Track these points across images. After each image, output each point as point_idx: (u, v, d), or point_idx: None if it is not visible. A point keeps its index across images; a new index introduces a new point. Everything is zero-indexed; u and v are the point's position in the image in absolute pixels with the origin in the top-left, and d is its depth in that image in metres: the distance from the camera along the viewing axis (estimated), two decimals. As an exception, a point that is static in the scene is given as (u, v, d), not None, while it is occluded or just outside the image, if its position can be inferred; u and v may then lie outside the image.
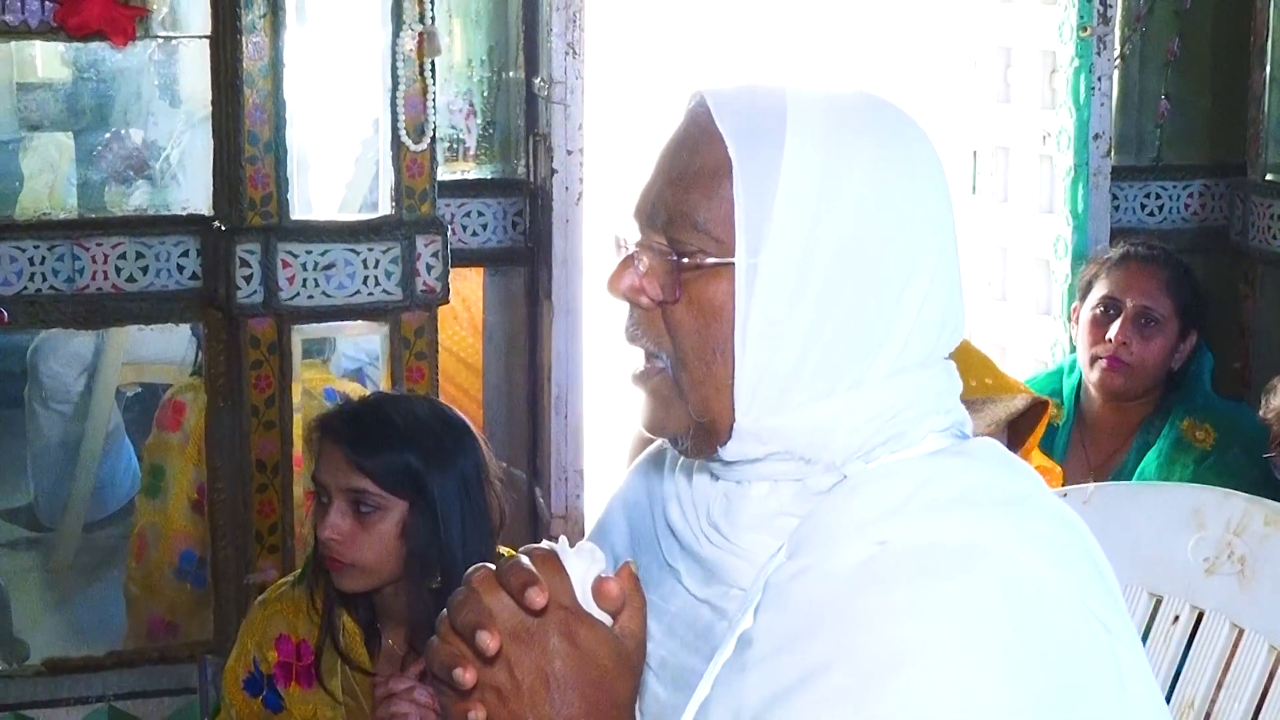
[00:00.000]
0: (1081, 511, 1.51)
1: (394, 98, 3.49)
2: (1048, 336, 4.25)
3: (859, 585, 1.32)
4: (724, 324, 1.39)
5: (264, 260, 3.46)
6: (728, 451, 1.42)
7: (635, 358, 1.46)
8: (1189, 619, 1.96)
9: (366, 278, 3.52)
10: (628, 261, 1.43)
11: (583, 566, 1.34)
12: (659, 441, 1.57)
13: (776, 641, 1.33)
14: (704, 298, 1.40)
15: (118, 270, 3.56)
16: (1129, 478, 3.44)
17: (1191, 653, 1.95)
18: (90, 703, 3.69)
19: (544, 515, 3.87)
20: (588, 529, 1.73)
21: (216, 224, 3.55)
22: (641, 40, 6.13)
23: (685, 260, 1.40)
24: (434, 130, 3.54)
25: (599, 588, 1.33)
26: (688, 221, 1.40)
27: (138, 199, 3.69)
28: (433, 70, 3.51)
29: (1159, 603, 1.99)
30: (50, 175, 3.85)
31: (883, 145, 1.41)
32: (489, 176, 3.96)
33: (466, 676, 1.29)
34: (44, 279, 3.53)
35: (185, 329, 3.89)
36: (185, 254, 3.60)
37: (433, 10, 3.49)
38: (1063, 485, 2.84)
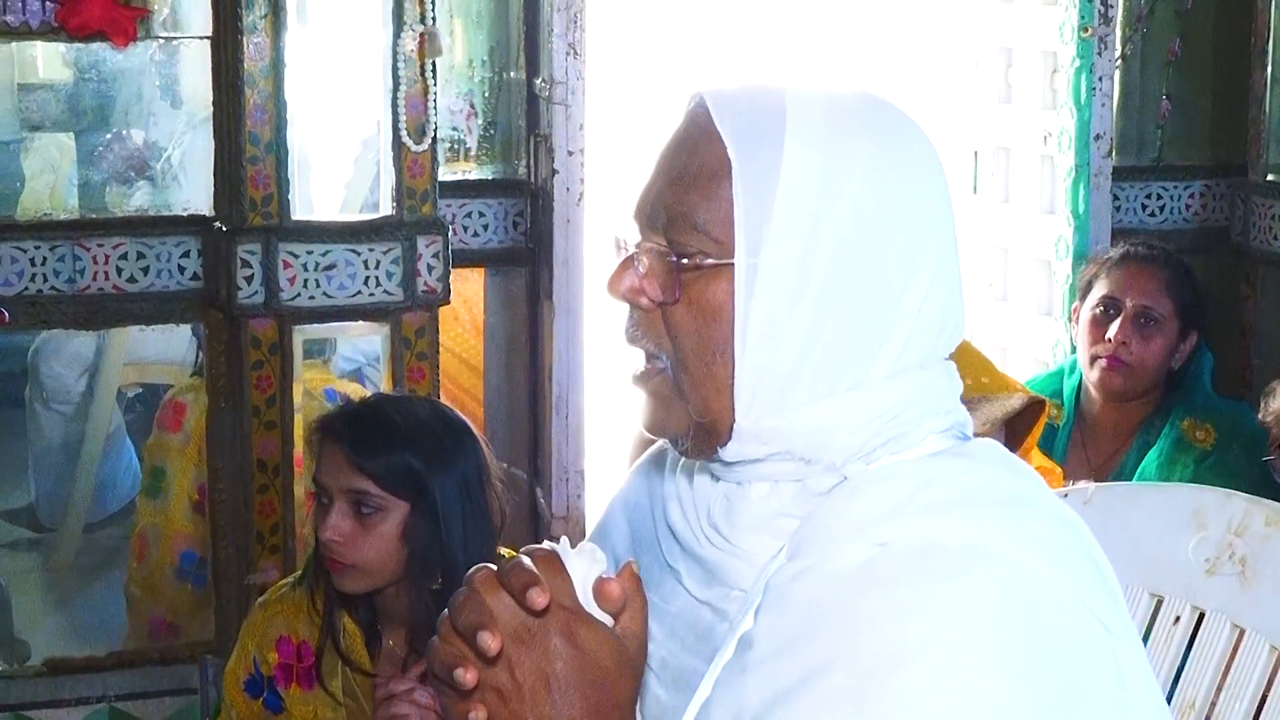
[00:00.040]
0: (1082, 512, 1.51)
1: (395, 98, 3.49)
2: (1049, 337, 4.25)
3: (859, 586, 1.32)
4: (724, 324, 1.39)
5: (265, 261, 3.46)
6: (728, 452, 1.42)
7: (635, 358, 1.46)
8: (1190, 619, 1.96)
9: (367, 278, 3.52)
10: (627, 263, 1.43)
11: (584, 567, 1.34)
12: (660, 442, 1.57)
13: (777, 643, 1.33)
14: (704, 298, 1.40)
15: (119, 271, 3.56)
16: (1129, 478, 3.44)
17: (1192, 653, 1.95)
18: (91, 703, 3.69)
19: (545, 516, 3.87)
20: (589, 529, 1.73)
21: (217, 224, 3.56)
22: (642, 41, 6.13)
23: (685, 261, 1.40)
24: (435, 131, 3.54)
25: (600, 588, 1.33)
26: (687, 222, 1.40)
27: (139, 199, 3.69)
28: (434, 71, 3.51)
29: (1160, 603, 1.99)
30: (51, 176, 3.85)
31: (883, 145, 1.41)
32: (490, 177, 3.96)
33: (467, 677, 1.29)
34: (45, 279, 3.53)
35: (186, 329, 3.89)
36: (186, 254, 3.60)
37: (434, 11, 3.50)
38: (1063, 485, 2.85)
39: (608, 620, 1.34)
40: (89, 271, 3.54)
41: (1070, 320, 3.78)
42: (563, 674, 1.30)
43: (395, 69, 3.48)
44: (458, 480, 2.53)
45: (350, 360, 4.12)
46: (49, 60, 3.76)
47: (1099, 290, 3.57)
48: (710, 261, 1.39)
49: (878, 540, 1.34)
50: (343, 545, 2.50)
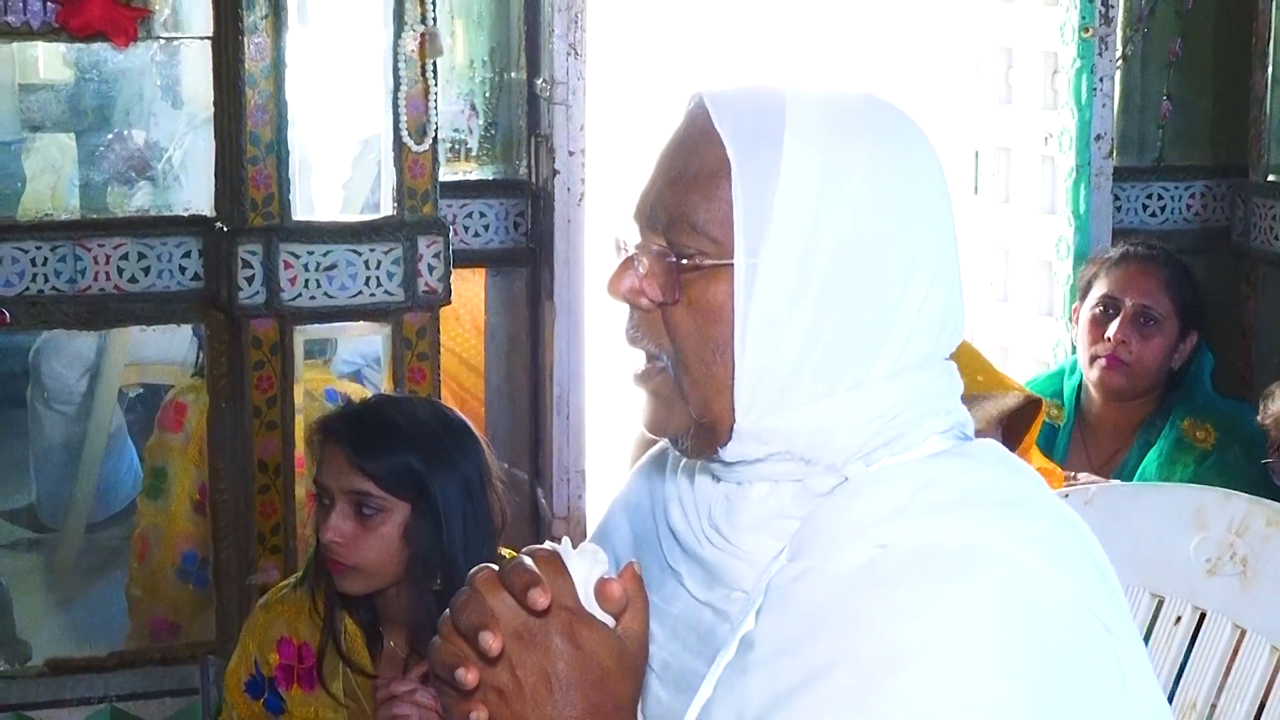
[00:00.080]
0: (1083, 512, 1.51)
1: (396, 99, 3.49)
2: (1049, 337, 4.25)
3: (860, 587, 1.32)
4: (724, 325, 1.39)
5: (266, 261, 3.46)
6: (728, 452, 1.42)
7: (636, 358, 1.46)
8: (1191, 620, 1.96)
9: (368, 279, 3.52)
10: (628, 263, 1.43)
11: (585, 567, 1.34)
12: (661, 443, 1.57)
13: (778, 644, 1.33)
14: (703, 299, 1.40)
15: (120, 271, 3.56)
16: (1130, 478, 3.44)
17: (1193, 654, 1.95)
18: (92, 703, 3.69)
19: (546, 516, 3.87)
20: (590, 530, 1.73)
21: (218, 225, 3.56)
22: (643, 41, 6.13)
23: (685, 261, 1.40)
24: (436, 131, 3.54)
25: (601, 589, 1.33)
26: (687, 223, 1.40)
27: (140, 200, 3.69)
28: (434, 71, 3.51)
29: (1161, 603, 1.99)
30: (52, 176, 3.85)
31: (882, 145, 1.41)
32: (491, 177, 3.96)
33: (469, 677, 1.29)
34: (46, 280, 3.53)
35: (187, 330, 3.89)
36: (187, 255, 3.60)
37: (434, 11, 3.50)
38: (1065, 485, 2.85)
39: (609, 621, 1.34)
40: (90, 272, 3.54)
41: (1071, 320, 3.78)
42: (564, 674, 1.31)
43: (396, 69, 3.48)
44: (459, 481, 2.53)
45: (350, 363, 4.11)
46: (50, 60, 3.76)
47: (1099, 290, 3.57)
48: (710, 262, 1.39)
49: (879, 541, 1.34)
50: (344, 546, 2.50)
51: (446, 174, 3.75)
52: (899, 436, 1.41)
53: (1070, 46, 4.13)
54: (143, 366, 4.34)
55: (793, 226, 1.37)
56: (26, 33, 3.44)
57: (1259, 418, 3.24)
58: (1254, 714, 1.90)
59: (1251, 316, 4.25)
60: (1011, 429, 2.98)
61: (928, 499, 1.36)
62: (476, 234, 3.92)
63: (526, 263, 3.93)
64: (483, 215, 3.92)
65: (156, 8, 3.52)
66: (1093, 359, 3.55)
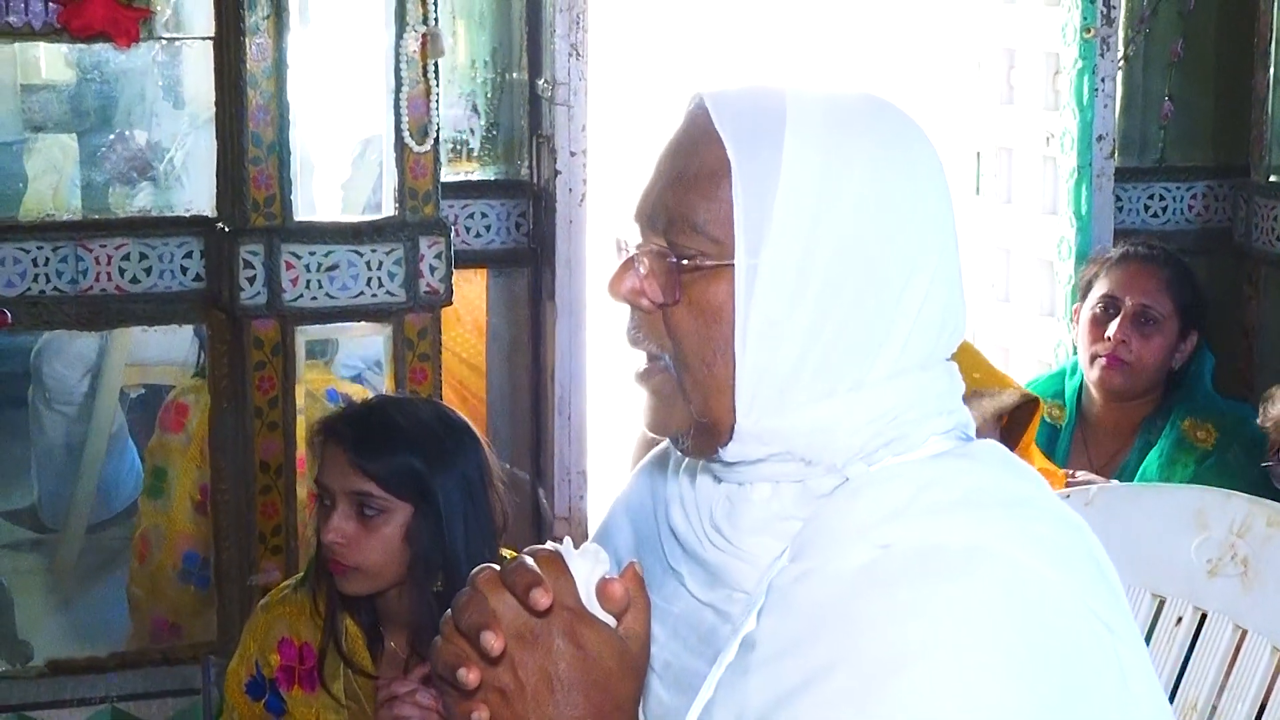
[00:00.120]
0: (1084, 513, 1.51)
1: (397, 99, 3.49)
2: (1051, 338, 4.25)
3: (862, 588, 1.32)
4: (724, 325, 1.39)
5: (267, 261, 3.46)
6: (729, 453, 1.42)
7: (638, 358, 1.46)
8: (1192, 620, 1.96)
9: (370, 279, 3.52)
10: (628, 264, 1.43)
11: (587, 568, 1.34)
12: (663, 444, 1.57)
13: (779, 644, 1.33)
14: (704, 299, 1.40)
15: (121, 271, 3.56)
16: (1131, 478, 3.44)
17: (1194, 654, 1.95)
18: (93, 704, 3.70)
19: (547, 516, 3.87)
20: (591, 530, 1.73)
21: (220, 225, 3.56)
22: (645, 41, 6.13)
23: (685, 262, 1.40)
24: (437, 131, 3.54)
25: (603, 589, 1.34)
26: (687, 224, 1.40)
27: (141, 200, 3.69)
28: (436, 71, 3.52)
29: (1162, 604, 1.99)
30: (54, 176, 3.85)
31: (883, 146, 1.41)
32: (492, 178, 3.96)
33: (470, 677, 1.29)
34: (48, 280, 3.53)
35: (188, 330, 3.89)
36: (189, 255, 3.60)
37: (436, 11, 3.50)
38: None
39: (611, 621, 1.34)
40: (91, 272, 3.55)
41: (1072, 321, 3.78)
42: (565, 674, 1.31)
43: (398, 70, 3.48)
44: (460, 481, 2.53)
45: (351, 367, 4.11)
46: (52, 61, 3.76)
47: (1099, 289, 3.57)
48: (710, 262, 1.39)
49: (880, 542, 1.34)
50: (345, 547, 2.50)
51: (448, 174, 3.75)
52: (900, 437, 1.41)
53: (1072, 47, 4.13)
54: (144, 367, 4.34)
55: (793, 226, 1.37)
56: (28, 33, 3.44)
57: (1259, 420, 3.24)
58: (1255, 715, 1.90)
59: (1253, 317, 4.25)
60: (1010, 429, 2.98)
61: (929, 499, 1.36)
62: (478, 234, 3.92)
63: (528, 263, 3.93)
64: (484, 216, 3.93)
65: (158, 8, 3.52)
66: (1093, 358, 3.55)
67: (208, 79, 3.57)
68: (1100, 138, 4.14)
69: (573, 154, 3.78)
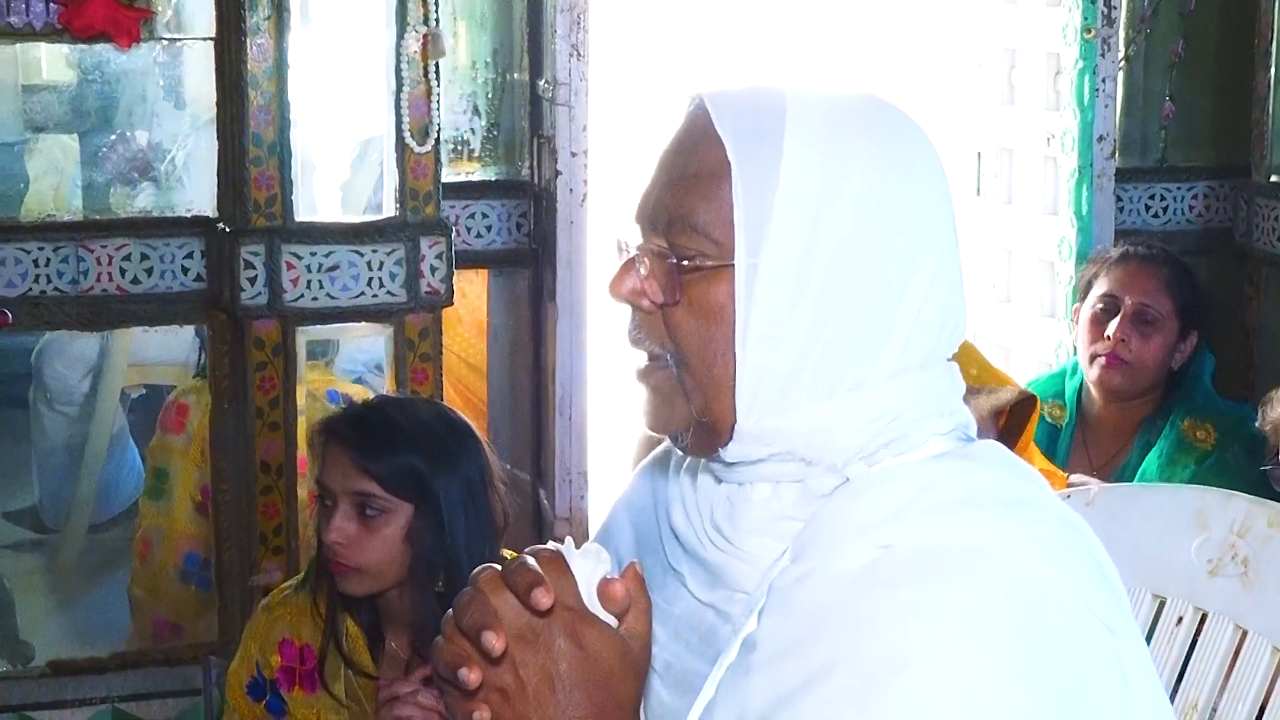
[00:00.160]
0: (1084, 513, 1.51)
1: (398, 99, 3.50)
2: (1052, 338, 4.25)
3: (862, 588, 1.32)
4: (725, 325, 1.39)
5: (268, 262, 3.46)
6: (729, 453, 1.42)
7: (638, 358, 1.46)
8: (1192, 621, 1.96)
9: (371, 280, 3.52)
10: (629, 265, 1.43)
11: (588, 568, 1.34)
12: (664, 445, 1.57)
13: (780, 645, 1.33)
14: (705, 300, 1.40)
15: (122, 272, 3.56)
16: (1131, 478, 3.44)
17: (1195, 655, 1.95)
18: (94, 704, 3.70)
19: (548, 517, 3.87)
20: (592, 531, 1.74)
21: (221, 226, 3.56)
22: (645, 42, 6.13)
23: (685, 263, 1.40)
24: (438, 132, 3.54)
25: (604, 589, 1.34)
26: (687, 224, 1.40)
27: (142, 201, 3.69)
28: (437, 72, 3.52)
29: (1162, 604, 1.99)
30: (55, 177, 3.85)
31: (883, 146, 1.41)
32: (493, 178, 3.96)
33: (471, 677, 1.29)
34: (49, 281, 3.53)
35: (189, 331, 3.89)
36: (190, 256, 3.60)
37: (437, 12, 3.50)
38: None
39: (612, 621, 1.34)
40: (92, 273, 3.55)
41: (1072, 321, 3.78)
42: (567, 674, 1.31)
43: (399, 70, 3.48)
44: (461, 482, 2.53)
45: (351, 371, 4.11)
46: (53, 62, 3.76)
47: (1099, 289, 3.57)
48: (710, 263, 1.39)
49: (881, 542, 1.34)
50: (347, 548, 2.50)
51: (449, 175, 3.75)
52: (900, 437, 1.41)
53: (1073, 47, 4.13)
54: (145, 367, 4.34)
55: (793, 227, 1.38)
56: (29, 34, 3.44)
57: (1258, 423, 3.23)
58: (1255, 715, 1.90)
59: (1254, 317, 4.25)
60: (1009, 429, 2.98)
61: (930, 500, 1.36)
62: (479, 235, 3.92)
63: (529, 264, 3.93)
64: (485, 216, 3.93)
65: (159, 9, 3.52)
66: (1092, 358, 3.55)
67: (209, 79, 3.58)
68: (1101, 138, 4.14)
69: (573, 154, 3.78)
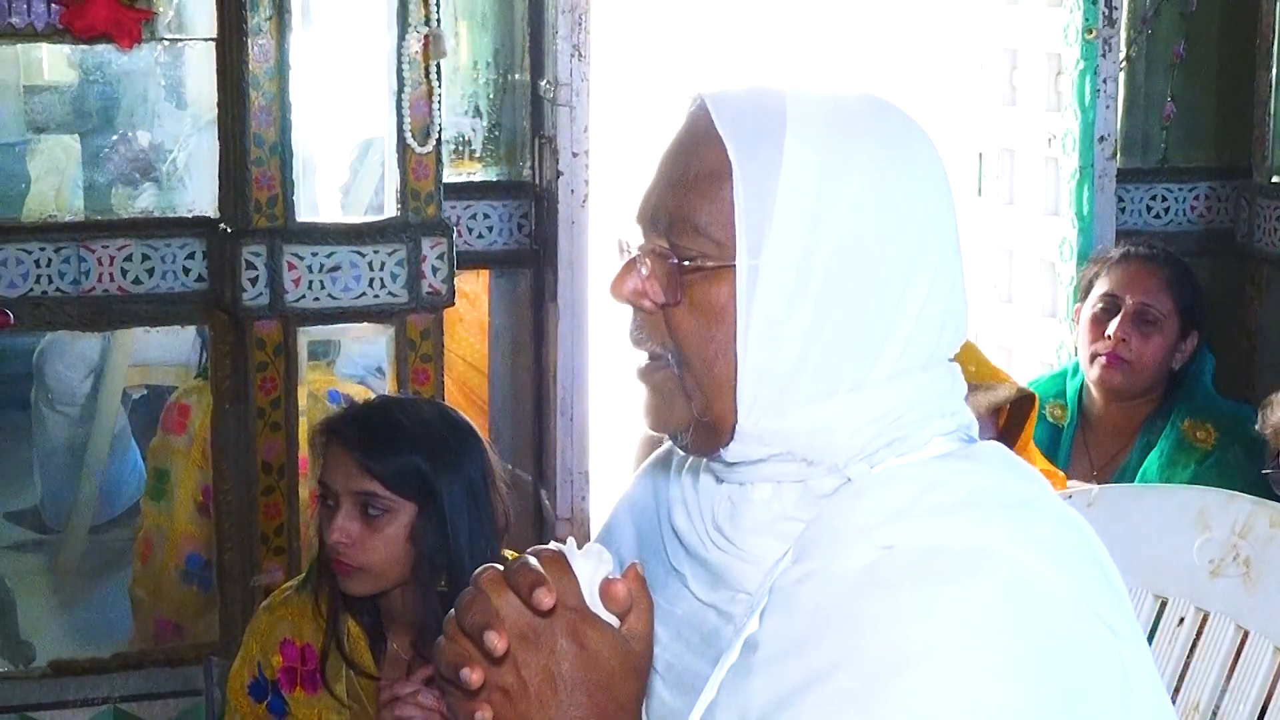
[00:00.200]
0: (1086, 513, 1.51)
1: (400, 100, 3.50)
2: (1053, 339, 4.25)
3: (864, 589, 1.32)
4: (726, 326, 1.39)
5: (270, 262, 3.46)
6: (730, 453, 1.42)
7: (639, 358, 1.46)
8: (1194, 621, 1.96)
9: (372, 280, 3.52)
10: (630, 265, 1.44)
11: (590, 568, 1.34)
12: (666, 445, 1.57)
13: (782, 645, 1.33)
14: (706, 300, 1.40)
15: (124, 272, 3.56)
16: (1131, 478, 3.44)
17: (1196, 655, 1.95)
18: (96, 704, 3.70)
19: (549, 517, 3.87)
20: (593, 531, 1.74)
21: (222, 226, 3.56)
22: (647, 42, 6.13)
23: (687, 263, 1.40)
24: (439, 132, 3.54)
25: (606, 589, 1.34)
26: (688, 225, 1.40)
27: (144, 201, 3.69)
28: (438, 72, 3.52)
29: (1164, 605, 1.99)
30: (57, 177, 3.85)
31: (883, 146, 1.41)
32: (494, 179, 3.96)
33: (473, 677, 1.29)
34: (50, 281, 3.53)
35: (191, 331, 3.89)
36: (191, 256, 3.60)
37: (438, 13, 3.50)
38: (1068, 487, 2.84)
39: (614, 621, 1.34)
40: (94, 273, 3.55)
41: (1073, 321, 3.78)
42: (568, 674, 1.31)
43: (400, 71, 3.49)
44: (464, 481, 2.53)
45: (352, 375, 4.11)
46: (54, 62, 3.76)
47: (1100, 289, 3.57)
48: (711, 263, 1.39)
49: (883, 543, 1.34)
50: (350, 547, 2.50)
51: (450, 175, 3.75)
52: (902, 438, 1.41)
53: (1074, 48, 4.13)
54: (146, 368, 4.35)
55: (793, 227, 1.38)
56: (31, 34, 3.44)
57: (1258, 427, 3.23)
58: (1257, 715, 1.90)
59: (1255, 318, 4.25)
60: (1009, 428, 2.98)
61: (932, 501, 1.36)
62: (480, 235, 3.93)
63: (530, 264, 3.93)
64: (486, 217, 3.93)
65: (160, 9, 3.52)
66: (1093, 357, 3.54)
67: (210, 80, 3.58)
68: (1102, 138, 4.14)
69: (575, 155, 3.78)
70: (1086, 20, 4.09)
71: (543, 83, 3.83)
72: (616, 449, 4.15)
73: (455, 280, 3.59)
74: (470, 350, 4.17)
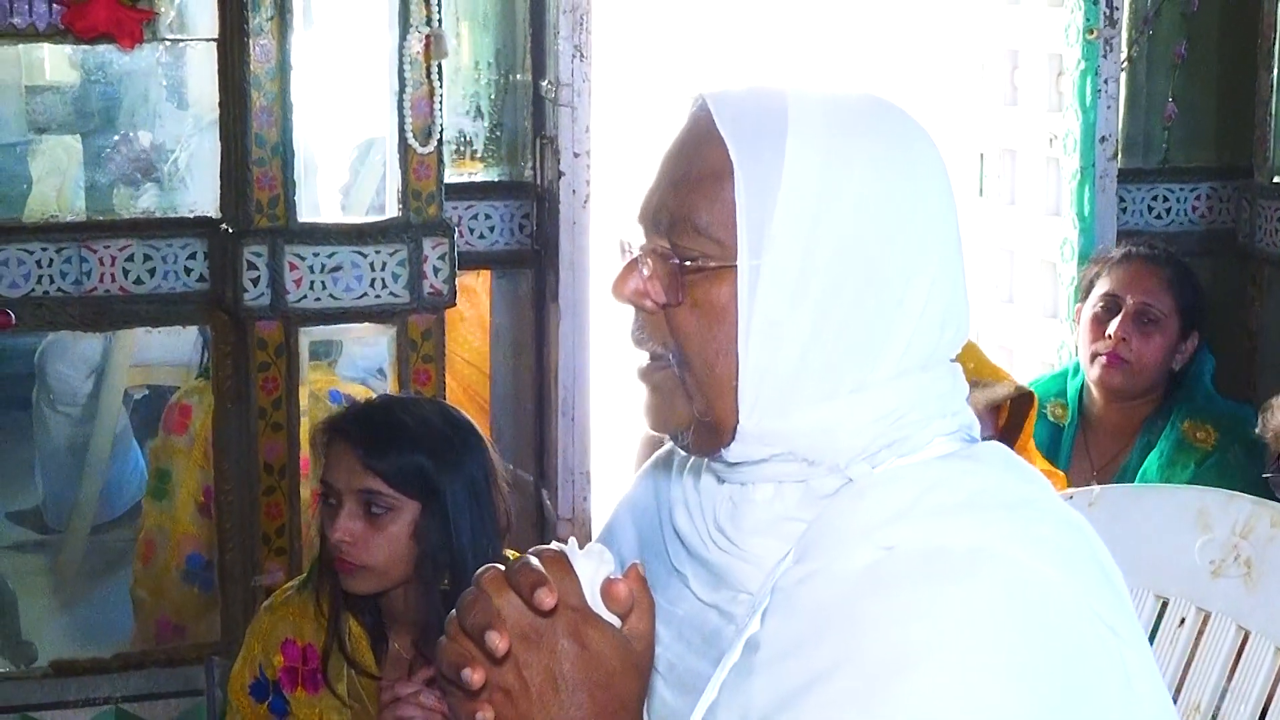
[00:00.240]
0: (1087, 514, 1.51)
1: (401, 100, 3.50)
2: (1054, 339, 4.25)
3: (865, 589, 1.32)
4: (727, 326, 1.39)
5: (271, 263, 3.47)
6: (731, 453, 1.42)
7: (641, 357, 1.46)
8: (1195, 621, 1.96)
9: (373, 280, 3.52)
10: (632, 265, 1.44)
11: (591, 568, 1.34)
12: (667, 446, 1.57)
13: (783, 646, 1.33)
14: (707, 300, 1.40)
15: (125, 272, 3.56)
16: (1132, 478, 3.44)
17: (1197, 655, 1.95)
18: (97, 704, 3.70)
19: (551, 517, 3.87)
20: (595, 531, 1.74)
21: (224, 226, 3.56)
22: (648, 43, 6.13)
23: (688, 264, 1.40)
24: (441, 133, 3.54)
25: (607, 589, 1.34)
26: (690, 225, 1.40)
27: (145, 201, 3.70)
28: (440, 73, 3.52)
29: (1165, 605, 1.99)
30: (58, 178, 3.85)
31: (884, 146, 1.41)
32: (496, 179, 3.96)
33: (475, 677, 1.29)
34: (52, 281, 3.53)
35: (192, 331, 3.89)
36: (193, 256, 3.60)
37: (440, 13, 3.50)
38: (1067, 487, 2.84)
39: (615, 621, 1.34)
40: (95, 273, 3.55)
41: (1074, 321, 3.78)
42: (570, 674, 1.31)
43: (401, 71, 3.49)
44: (466, 480, 2.53)
45: (352, 378, 4.11)
46: (56, 62, 3.76)
47: (1100, 288, 3.57)
48: (713, 263, 1.39)
49: (884, 543, 1.34)
50: (353, 546, 2.50)
51: (451, 176, 3.75)
52: (903, 438, 1.41)
53: (1075, 48, 4.13)
54: (148, 368, 4.35)
55: (794, 227, 1.38)
56: (32, 34, 3.44)
57: (1259, 430, 3.23)
58: (1258, 716, 1.90)
59: (1257, 319, 4.25)
60: (1009, 428, 2.98)
61: (933, 501, 1.36)
62: (481, 236, 3.93)
63: (531, 264, 3.94)
64: (488, 217, 3.93)
65: (162, 10, 3.53)
66: (1093, 357, 3.55)
67: (211, 80, 3.58)
68: (1103, 139, 4.14)
69: (576, 155, 3.78)
70: (1088, 20, 4.09)
71: (544, 83, 3.83)
72: (618, 449, 4.15)
73: (456, 280, 3.59)
74: (471, 351, 4.18)
